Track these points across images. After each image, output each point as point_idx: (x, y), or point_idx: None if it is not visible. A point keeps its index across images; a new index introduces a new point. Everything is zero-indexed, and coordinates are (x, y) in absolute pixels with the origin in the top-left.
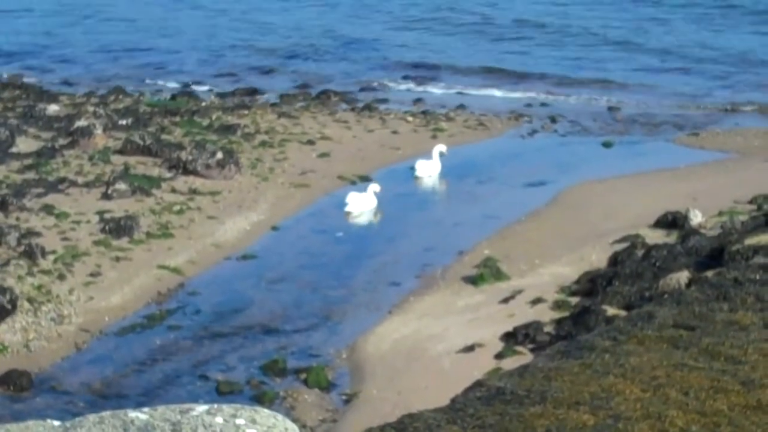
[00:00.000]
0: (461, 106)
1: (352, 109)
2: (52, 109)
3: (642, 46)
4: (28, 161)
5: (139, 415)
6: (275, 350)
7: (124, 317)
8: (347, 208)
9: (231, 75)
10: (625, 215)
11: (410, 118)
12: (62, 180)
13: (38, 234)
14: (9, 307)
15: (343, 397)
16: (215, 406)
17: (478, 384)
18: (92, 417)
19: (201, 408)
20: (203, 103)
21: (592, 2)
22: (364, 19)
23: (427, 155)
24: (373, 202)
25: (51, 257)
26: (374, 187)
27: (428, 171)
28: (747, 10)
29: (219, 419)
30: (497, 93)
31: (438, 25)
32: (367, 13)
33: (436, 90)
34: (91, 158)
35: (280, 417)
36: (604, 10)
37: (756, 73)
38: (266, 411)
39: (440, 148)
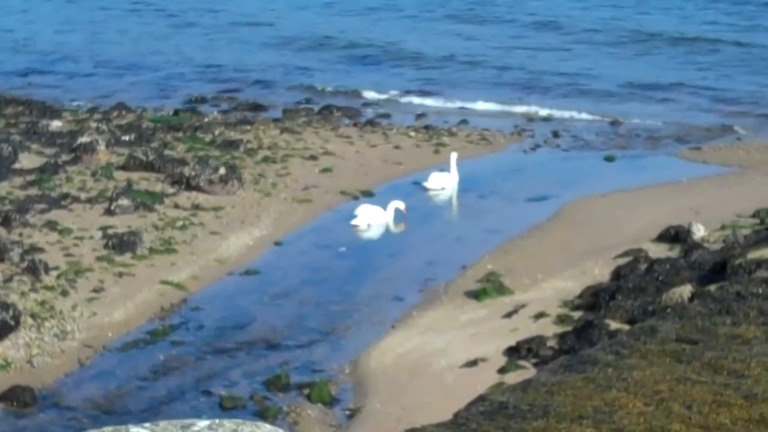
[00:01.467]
0: (464, 121)
1: (355, 125)
2: (55, 125)
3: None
4: (31, 177)
5: (141, 431)
6: (278, 365)
7: (128, 333)
8: (354, 221)
9: (233, 91)
10: (627, 229)
11: (413, 133)
12: (65, 196)
13: (41, 250)
14: (12, 323)
15: (347, 412)
16: (216, 421)
17: (480, 398)
18: None
19: (202, 423)
20: (206, 119)
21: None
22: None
23: (431, 169)
24: (384, 218)
25: (54, 273)
26: (398, 204)
27: (441, 184)
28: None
29: None
30: (498, 108)
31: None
32: (365, 26)
33: (438, 105)
34: (94, 174)
35: None
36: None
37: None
38: (268, 426)
39: (454, 155)
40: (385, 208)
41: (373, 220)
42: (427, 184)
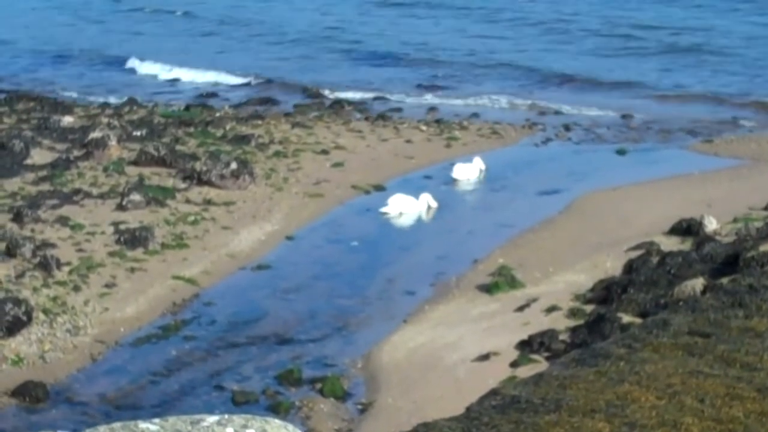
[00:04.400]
0: (475, 115)
1: (366, 119)
2: (67, 120)
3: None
4: (43, 173)
5: (150, 426)
6: (290, 360)
7: (140, 328)
8: (385, 208)
9: (245, 85)
10: (639, 222)
11: (424, 127)
12: (77, 191)
13: (53, 245)
14: (25, 318)
15: (359, 407)
16: (226, 416)
17: (493, 392)
18: (103, 428)
19: (212, 419)
20: (217, 114)
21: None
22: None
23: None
24: (416, 207)
25: (66, 269)
26: (429, 199)
27: (467, 175)
28: None
29: (230, 430)
30: (510, 100)
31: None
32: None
33: (449, 99)
34: (105, 169)
35: (290, 427)
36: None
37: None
38: (277, 421)
39: (480, 164)
40: (407, 195)
41: (404, 208)
42: (454, 175)
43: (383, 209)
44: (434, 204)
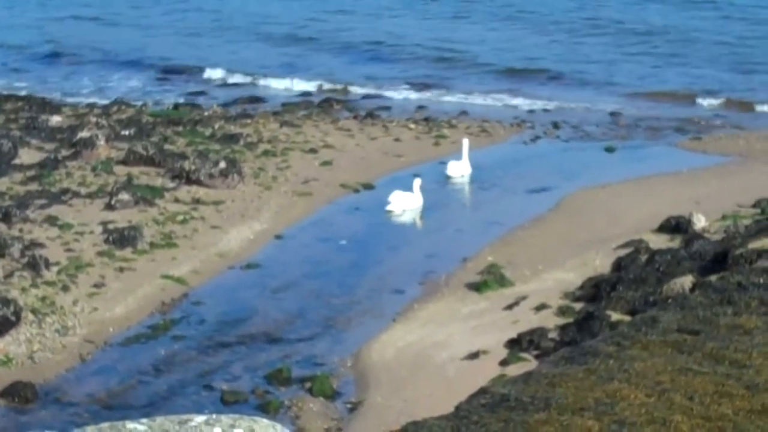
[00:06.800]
0: (464, 113)
1: (355, 117)
2: (55, 120)
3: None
4: (31, 173)
5: (138, 426)
6: (280, 359)
7: (129, 328)
8: (389, 207)
9: (233, 85)
10: (628, 220)
11: (412, 126)
12: (65, 191)
13: (42, 245)
14: (13, 318)
15: (348, 406)
16: (214, 416)
17: (482, 391)
18: (91, 428)
19: (199, 418)
20: (206, 113)
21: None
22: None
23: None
24: (417, 202)
25: (55, 268)
26: (417, 182)
27: (461, 171)
28: None
29: (218, 430)
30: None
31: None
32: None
33: (438, 96)
34: (94, 169)
35: (278, 427)
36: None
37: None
38: (265, 421)
39: (466, 141)
40: (405, 191)
41: (406, 205)
42: (448, 172)
43: (388, 207)
44: (419, 181)
